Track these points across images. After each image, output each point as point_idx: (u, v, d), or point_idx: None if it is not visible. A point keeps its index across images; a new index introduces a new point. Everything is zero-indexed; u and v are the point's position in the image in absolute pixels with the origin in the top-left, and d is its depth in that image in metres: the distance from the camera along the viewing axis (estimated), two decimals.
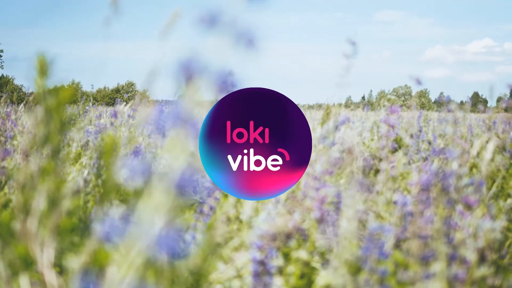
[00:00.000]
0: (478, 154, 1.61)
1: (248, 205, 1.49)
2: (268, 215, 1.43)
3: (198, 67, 0.47)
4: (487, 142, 1.57)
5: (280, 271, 1.61)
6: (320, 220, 1.43)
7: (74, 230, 0.83)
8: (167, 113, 0.49)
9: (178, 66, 0.44)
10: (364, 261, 1.15)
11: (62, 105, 0.73)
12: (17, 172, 0.81)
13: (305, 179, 1.69)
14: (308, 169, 1.92)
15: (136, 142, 1.30)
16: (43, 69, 0.74)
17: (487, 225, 1.12)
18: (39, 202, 0.80)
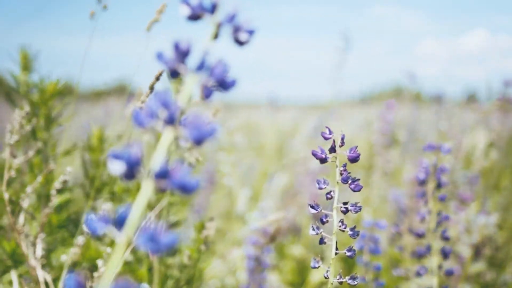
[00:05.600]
0: (473, 149, 1.60)
1: (242, 201, 1.48)
2: (262, 211, 1.42)
3: (186, 61, 0.46)
4: (481, 137, 1.57)
5: (275, 266, 1.61)
6: (314, 216, 1.42)
7: (64, 226, 0.82)
8: (156, 108, 0.47)
9: (165, 60, 0.43)
10: (358, 257, 1.15)
11: (48, 100, 0.71)
12: (3, 168, 0.80)
13: (300, 176, 1.68)
14: (303, 166, 1.91)
15: (129, 138, 1.29)
16: (26, 64, 0.72)
17: (482, 220, 1.11)
18: (29, 198, 0.79)
